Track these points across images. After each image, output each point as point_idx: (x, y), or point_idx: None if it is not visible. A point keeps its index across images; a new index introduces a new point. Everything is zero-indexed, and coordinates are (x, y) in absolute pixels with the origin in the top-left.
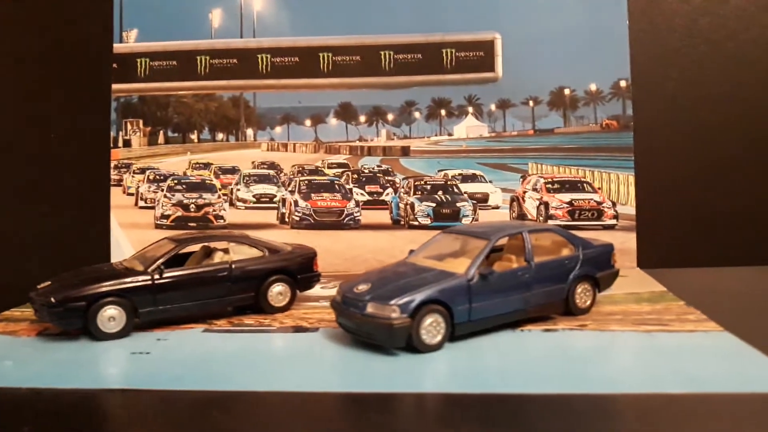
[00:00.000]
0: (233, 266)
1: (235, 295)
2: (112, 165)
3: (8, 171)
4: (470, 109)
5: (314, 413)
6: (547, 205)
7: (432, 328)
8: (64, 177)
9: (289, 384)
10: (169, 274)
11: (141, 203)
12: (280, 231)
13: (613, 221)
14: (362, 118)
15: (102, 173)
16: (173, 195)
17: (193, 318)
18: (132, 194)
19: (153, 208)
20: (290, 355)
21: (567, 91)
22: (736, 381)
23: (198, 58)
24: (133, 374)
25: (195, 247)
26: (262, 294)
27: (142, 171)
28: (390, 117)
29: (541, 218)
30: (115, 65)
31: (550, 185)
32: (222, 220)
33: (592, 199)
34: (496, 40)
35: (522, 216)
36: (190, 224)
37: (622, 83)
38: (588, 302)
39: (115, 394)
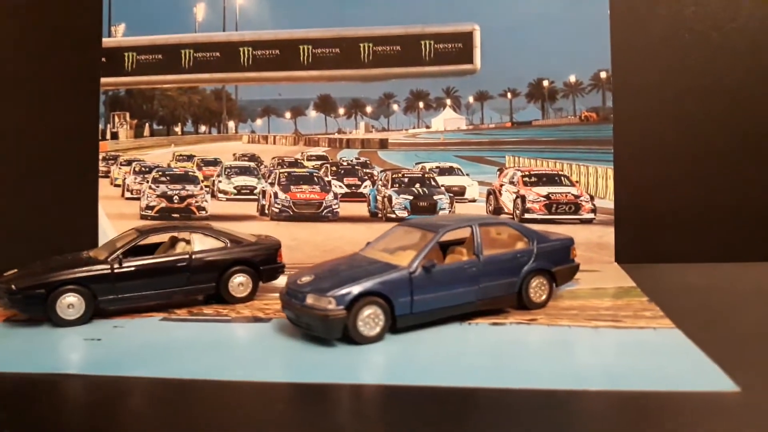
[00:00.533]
0: (193, 257)
1: (195, 285)
2: (100, 157)
3: None
4: (448, 102)
5: (250, 402)
6: (523, 198)
7: (370, 320)
8: (55, 169)
9: (229, 373)
10: (129, 263)
11: (127, 194)
12: (260, 223)
13: (591, 215)
14: (341, 111)
15: (91, 165)
16: (158, 186)
17: (154, 307)
18: (119, 186)
19: (139, 199)
20: (236, 345)
21: (546, 83)
22: (660, 379)
23: (182, 51)
24: (77, 360)
25: (163, 238)
26: (223, 284)
27: (129, 163)
28: (368, 109)
29: (517, 212)
30: (103, 59)
31: (527, 178)
32: (204, 212)
33: (569, 193)
34: (474, 32)
35: (498, 209)
36: (173, 215)
37: (603, 74)
38: (543, 297)
39: (52, 378)
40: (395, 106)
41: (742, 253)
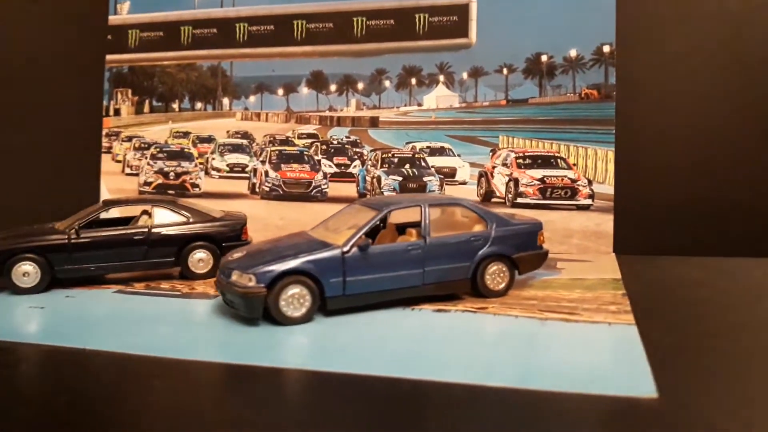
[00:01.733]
0: (152, 230)
1: (152, 259)
2: (103, 133)
3: (5, 136)
4: (441, 78)
5: (164, 379)
6: (516, 181)
7: (295, 300)
8: (60, 145)
9: (148, 348)
10: (87, 234)
11: (127, 170)
12: (251, 201)
13: (589, 201)
14: (333, 87)
15: (94, 141)
16: (155, 163)
17: (115, 279)
18: (120, 161)
19: (138, 174)
20: (172, 321)
21: (544, 58)
22: (578, 379)
23: (182, 28)
24: (5, 326)
25: (132, 210)
26: (183, 260)
27: (129, 139)
28: (360, 86)
29: (510, 195)
30: (109, 37)
31: (521, 160)
32: (198, 189)
33: (566, 176)
34: (471, 4)
35: (490, 192)
36: (169, 192)
37: (606, 48)
38: (502, 285)
39: None
40: (387, 83)
41: (755, 247)
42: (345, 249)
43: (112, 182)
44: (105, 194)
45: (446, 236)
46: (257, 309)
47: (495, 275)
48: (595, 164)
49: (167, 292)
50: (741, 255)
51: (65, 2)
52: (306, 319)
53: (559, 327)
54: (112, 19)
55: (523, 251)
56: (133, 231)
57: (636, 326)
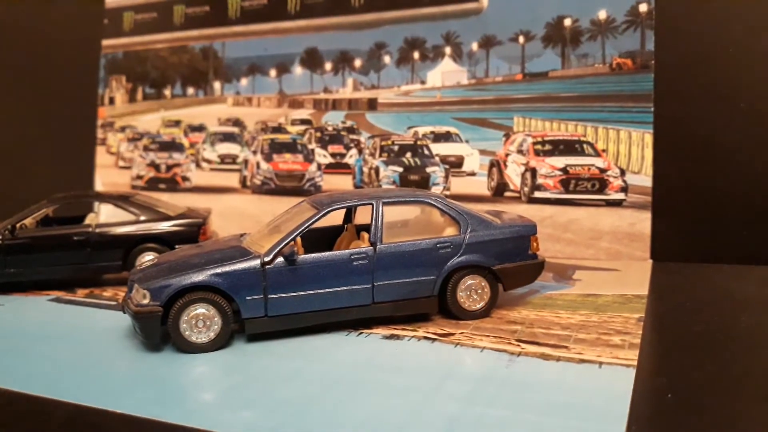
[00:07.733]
0: (96, 230)
1: (95, 263)
2: (98, 124)
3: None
4: (447, 50)
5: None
6: (534, 171)
7: (201, 322)
8: (54, 136)
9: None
10: (22, 235)
11: (121, 163)
12: (242, 196)
13: (621, 195)
14: (328, 66)
15: (89, 132)
16: (147, 155)
17: (57, 283)
18: (114, 153)
19: (130, 168)
20: (69, 340)
21: (568, 22)
22: None
23: (174, 7)
24: None
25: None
26: (131, 264)
27: (123, 129)
28: (357, 63)
29: (526, 188)
30: (106, 21)
31: (539, 146)
32: (188, 182)
33: (593, 165)
34: None
35: (502, 185)
36: (160, 185)
37: (642, 7)
38: (480, 303)
39: None
40: (387, 58)
41: None
42: (266, 259)
43: (107, 176)
44: (99, 188)
45: (403, 242)
46: (152, 332)
47: (471, 291)
48: (629, 150)
49: (102, 302)
50: None
51: None
52: (216, 345)
53: (528, 367)
54: (109, 2)
55: (509, 261)
56: (73, 231)
57: (635, 369)
